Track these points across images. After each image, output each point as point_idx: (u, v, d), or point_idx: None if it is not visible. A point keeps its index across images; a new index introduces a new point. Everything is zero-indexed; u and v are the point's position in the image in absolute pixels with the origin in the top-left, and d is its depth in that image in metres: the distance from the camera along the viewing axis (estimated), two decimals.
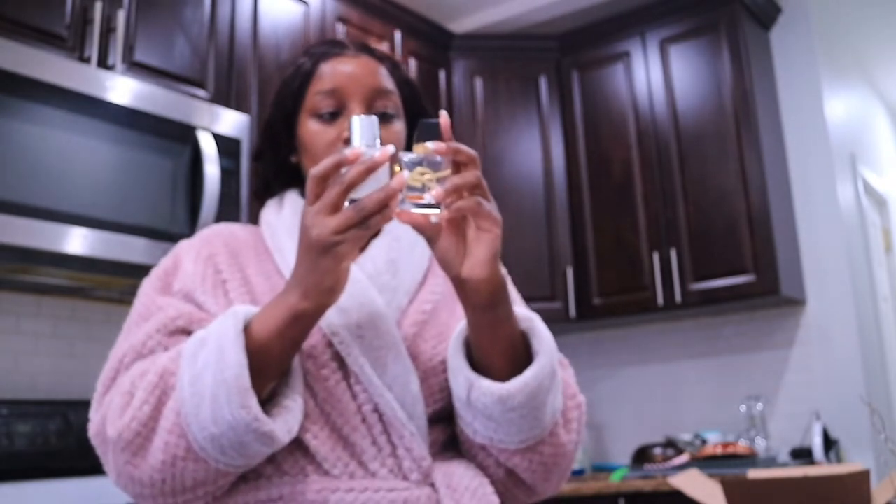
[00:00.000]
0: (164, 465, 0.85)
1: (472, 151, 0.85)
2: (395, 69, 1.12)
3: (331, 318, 0.94)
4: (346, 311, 0.95)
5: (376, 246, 1.06)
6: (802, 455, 3.06)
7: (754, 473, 1.31)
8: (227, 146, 2.44)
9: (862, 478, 1.08)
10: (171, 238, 2.27)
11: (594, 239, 3.50)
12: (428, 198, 0.83)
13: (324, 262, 0.82)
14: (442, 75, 3.60)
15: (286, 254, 1.04)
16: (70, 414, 2.29)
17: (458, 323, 1.01)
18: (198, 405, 0.84)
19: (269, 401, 0.89)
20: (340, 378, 0.94)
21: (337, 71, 1.06)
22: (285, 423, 0.87)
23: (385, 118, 1.06)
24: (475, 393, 0.91)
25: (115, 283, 2.36)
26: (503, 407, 0.90)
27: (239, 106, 2.62)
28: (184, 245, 1.08)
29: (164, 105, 2.33)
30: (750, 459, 2.91)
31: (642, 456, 3.23)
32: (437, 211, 0.84)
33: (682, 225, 3.29)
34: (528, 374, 0.91)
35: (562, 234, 3.54)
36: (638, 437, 3.53)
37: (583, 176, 3.58)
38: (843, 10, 3.87)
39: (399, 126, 1.09)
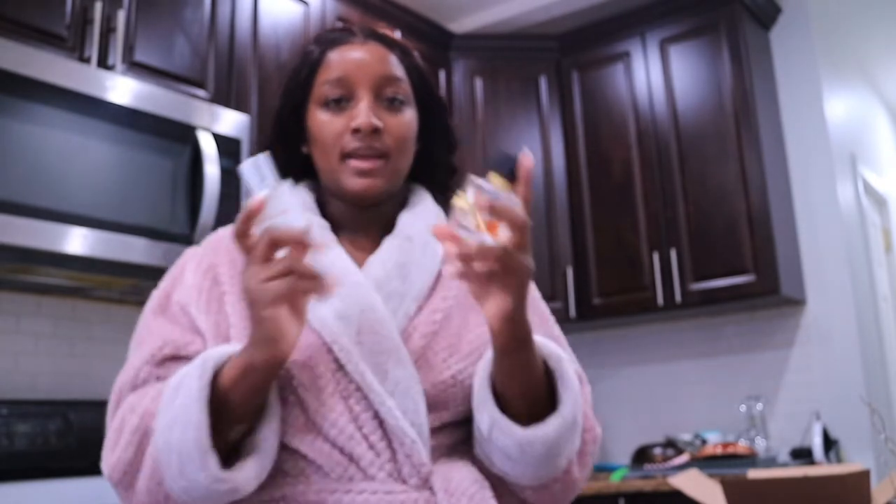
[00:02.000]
0: None
1: (525, 218, 0.80)
2: (406, 55, 1.10)
3: (332, 327, 0.94)
4: (346, 319, 0.94)
5: (386, 248, 1.04)
6: (802, 455, 3.06)
7: (754, 473, 1.31)
8: (227, 146, 2.44)
9: (862, 478, 1.08)
10: (171, 238, 2.27)
11: (594, 239, 3.50)
12: (475, 237, 0.80)
13: (257, 312, 0.82)
14: (442, 75, 3.60)
15: None
16: (70, 414, 2.29)
17: (469, 332, 1.00)
18: (168, 457, 0.85)
19: (249, 433, 0.89)
20: (336, 387, 0.93)
21: (345, 58, 1.04)
22: (253, 468, 0.87)
23: (394, 105, 1.04)
24: (496, 432, 0.91)
25: (115, 283, 2.36)
26: (521, 452, 0.91)
27: (239, 106, 2.62)
28: (189, 253, 1.08)
29: (164, 105, 2.33)
30: (750, 459, 2.91)
31: (642, 456, 3.23)
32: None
33: (682, 225, 3.29)
34: (551, 424, 0.90)
35: (562, 234, 3.54)
36: (638, 437, 3.53)
37: (583, 176, 3.58)
38: (843, 10, 3.87)
39: (409, 114, 1.06)
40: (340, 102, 1.03)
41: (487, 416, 0.92)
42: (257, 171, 0.84)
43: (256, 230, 0.82)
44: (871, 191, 4.22)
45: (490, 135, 3.60)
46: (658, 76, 3.44)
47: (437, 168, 1.14)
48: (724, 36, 3.31)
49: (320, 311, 0.94)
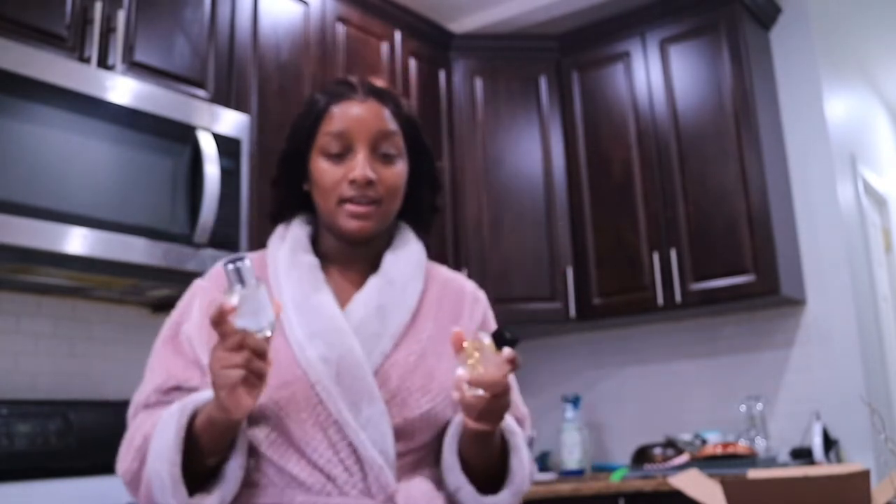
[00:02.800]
0: None
1: (502, 386, 1.02)
2: (399, 108, 1.23)
3: (316, 367, 1.10)
4: (328, 361, 1.10)
5: (369, 289, 1.18)
6: (802, 455, 3.05)
7: (754, 473, 1.31)
8: (227, 146, 2.44)
9: (862, 478, 1.08)
10: (171, 238, 2.27)
11: (594, 239, 3.50)
12: (472, 392, 1.02)
13: (215, 389, 0.97)
14: (442, 75, 3.60)
15: (283, 293, 1.16)
16: (70, 414, 2.29)
17: (441, 374, 1.15)
18: (153, 480, 1.03)
19: (222, 461, 1.06)
20: (317, 419, 1.09)
21: (346, 114, 1.19)
22: (216, 497, 1.04)
23: (387, 159, 1.19)
24: (462, 494, 1.13)
25: (115, 283, 2.35)
26: None
27: (239, 106, 2.62)
28: (197, 286, 1.22)
29: (164, 105, 2.33)
30: (750, 459, 2.91)
31: (642, 456, 3.22)
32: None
33: (682, 225, 3.29)
34: (505, 494, 1.14)
35: (562, 234, 3.54)
36: (638, 437, 3.53)
37: (583, 176, 3.58)
38: (843, 10, 3.87)
39: (401, 166, 1.21)
40: (340, 154, 1.18)
41: (455, 480, 1.13)
42: (236, 274, 0.96)
43: (235, 321, 0.95)
44: (871, 191, 4.22)
45: (490, 135, 3.60)
46: (658, 76, 3.44)
47: (423, 208, 1.30)
48: (724, 36, 3.31)
49: (308, 353, 1.10)
